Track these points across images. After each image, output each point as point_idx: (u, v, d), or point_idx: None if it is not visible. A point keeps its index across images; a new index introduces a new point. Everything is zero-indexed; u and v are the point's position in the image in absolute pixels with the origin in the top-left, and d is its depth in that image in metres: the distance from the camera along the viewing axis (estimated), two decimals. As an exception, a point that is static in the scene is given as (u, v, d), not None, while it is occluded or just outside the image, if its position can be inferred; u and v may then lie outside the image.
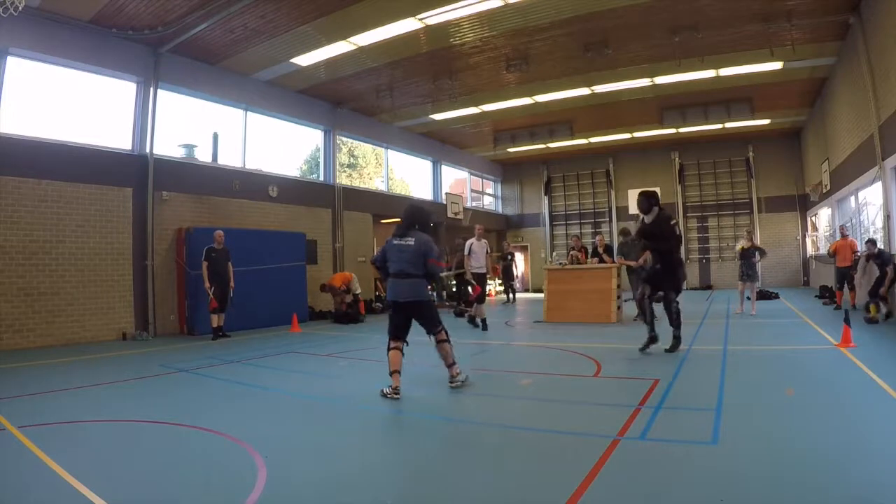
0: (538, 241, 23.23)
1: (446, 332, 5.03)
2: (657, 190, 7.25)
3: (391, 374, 4.80)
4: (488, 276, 10.39)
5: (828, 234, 15.57)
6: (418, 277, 4.89)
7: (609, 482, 2.71)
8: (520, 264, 22.75)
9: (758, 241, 18.74)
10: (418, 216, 5.07)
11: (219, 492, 2.75)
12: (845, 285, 10.26)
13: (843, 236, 10.34)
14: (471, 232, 10.65)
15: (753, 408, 4.01)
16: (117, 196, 9.77)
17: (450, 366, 5.01)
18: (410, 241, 4.91)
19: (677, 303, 6.42)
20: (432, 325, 4.97)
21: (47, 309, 8.72)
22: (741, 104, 15.45)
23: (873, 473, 2.68)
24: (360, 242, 15.46)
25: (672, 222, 6.48)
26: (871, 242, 9.20)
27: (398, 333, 4.96)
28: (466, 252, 9.95)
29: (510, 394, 5.00)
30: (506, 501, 2.59)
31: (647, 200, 6.53)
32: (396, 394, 4.69)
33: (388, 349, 4.93)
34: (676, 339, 6.40)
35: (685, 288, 7.00)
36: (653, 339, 6.42)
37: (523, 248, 23.47)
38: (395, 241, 4.97)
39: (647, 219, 6.54)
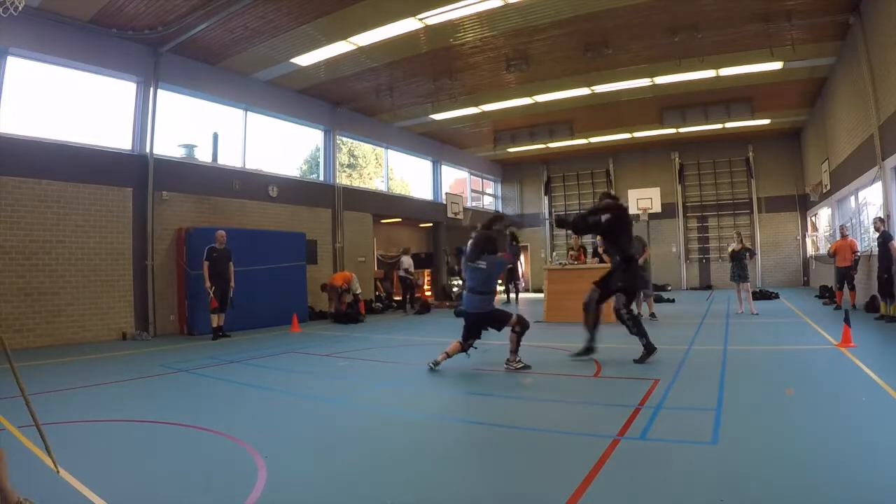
0: (538, 241, 23.23)
1: (521, 326, 5.75)
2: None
3: (442, 353, 5.93)
4: None
5: (828, 234, 15.57)
6: (485, 294, 5.84)
7: (609, 482, 2.71)
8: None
9: (757, 242, 18.87)
10: (487, 244, 5.94)
11: (219, 492, 2.75)
12: (845, 285, 10.26)
13: (843, 236, 10.34)
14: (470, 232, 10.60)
15: (753, 408, 4.01)
16: (117, 196, 9.77)
17: (511, 352, 5.81)
18: (482, 265, 5.81)
19: (628, 310, 6.02)
20: (502, 326, 5.84)
21: (47, 309, 8.72)
22: (741, 104, 15.45)
23: (873, 473, 2.68)
24: (360, 242, 15.46)
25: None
26: (880, 220, 8.94)
27: (467, 336, 5.94)
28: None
29: (510, 394, 4.99)
30: (506, 501, 2.59)
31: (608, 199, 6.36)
32: (433, 365, 5.84)
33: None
34: (644, 348, 5.87)
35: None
36: (590, 348, 6.11)
37: (523, 248, 23.47)
38: (471, 264, 5.92)
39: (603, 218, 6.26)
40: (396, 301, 15.75)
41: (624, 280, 5.96)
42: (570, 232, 21.15)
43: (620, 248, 6.03)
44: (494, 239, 6.04)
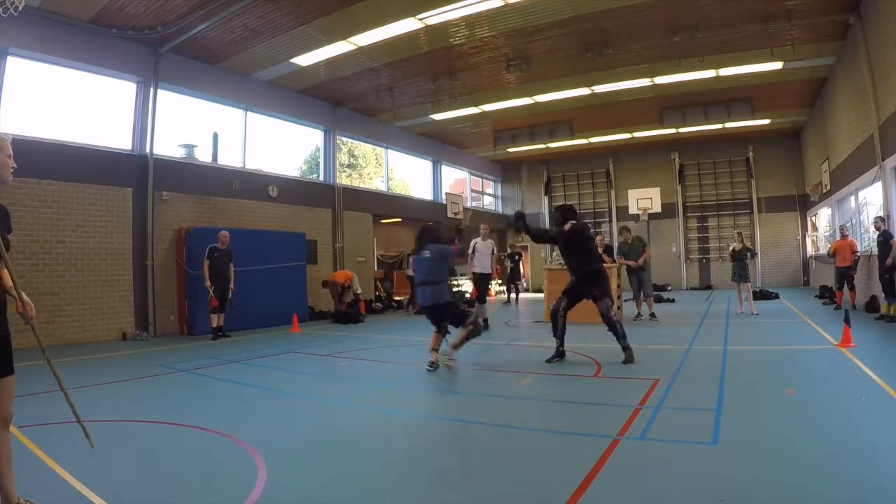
0: (538, 241, 23.18)
1: (475, 327, 5.82)
2: (573, 205, 6.94)
3: (430, 350, 5.91)
4: (492, 276, 10.24)
5: (828, 234, 15.58)
6: (437, 284, 5.79)
7: (609, 482, 2.71)
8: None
9: (757, 242, 18.87)
10: (428, 235, 6.03)
11: (219, 492, 2.75)
12: (845, 285, 10.27)
13: (843, 236, 10.34)
14: (469, 233, 10.61)
15: (753, 408, 4.01)
16: (117, 196, 9.77)
17: (453, 346, 5.78)
18: (426, 254, 5.85)
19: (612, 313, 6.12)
20: (458, 322, 5.82)
21: (47, 309, 8.71)
22: (741, 104, 15.45)
23: (873, 473, 2.68)
24: (360, 242, 15.46)
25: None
26: (881, 220, 8.95)
27: (435, 324, 5.97)
28: (470, 251, 9.79)
29: (510, 394, 5.00)
30: (506, 501, 2.59)
31: (562, 215, 6.34)
32: (430, 367, 5.75)
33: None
34: (627, 350, 5.95)
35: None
36: (561, 353, 6.14)
37: (523, 248, 23.48)
38: (415, 257, 6.05)
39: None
40: (397, 301, 15.76)
41: (599, 287, 6.07)
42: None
43: (578, 263, 6.17)
44: (434, 230, 6.20)
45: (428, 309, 5.97)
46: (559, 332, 6.17)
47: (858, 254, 10.33)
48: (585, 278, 6.12)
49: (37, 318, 8.22)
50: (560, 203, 6.95)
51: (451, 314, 5.87)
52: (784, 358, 6.11)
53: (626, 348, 5.94)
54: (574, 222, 6.22)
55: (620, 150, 20.86)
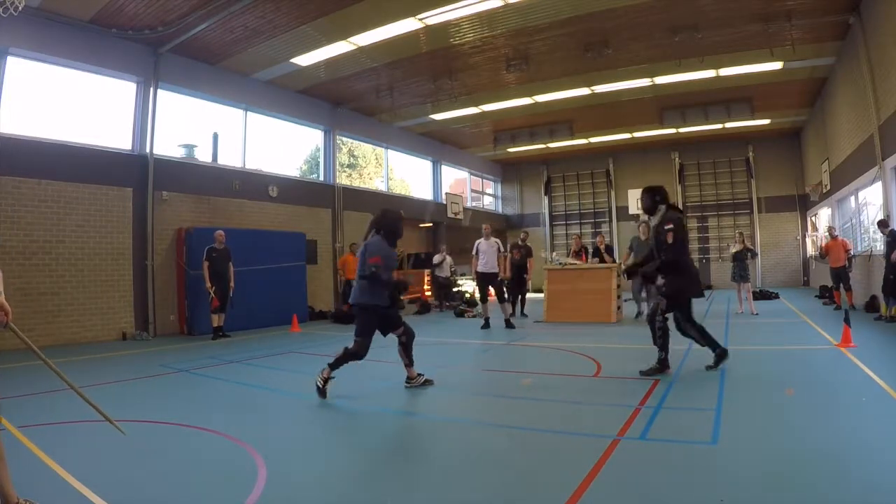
0: (538, 241, 23.18)
1: (406, 335, 5.02)
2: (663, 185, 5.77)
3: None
4: (498, 275, 10.22)
5: (827, 233, 15.58)
6: (362, 279, 4.83)
7: (609, 482, 2.71)
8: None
9: (757, 242, 18.88)
10: (379, 221, 5.01)
11: (219, 492, 2.75)
12: (841, 285, 10.26)
13: (833, 238, 10.35)
14: (468, 233, 10.62)
15: (753, 408, 4.01)
16: (117, 196, 9.77)
17: (406, 366, 5.12)
18: (362, 247, 4.94)
19: (665, 319, 5.37)
20: (387, 330, 5.00)
21: (47, 309, 8.72)
22: (741, 104, 15.45)
23: (873, 473, 2.68)
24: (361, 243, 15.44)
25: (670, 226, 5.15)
26: (883, 223, 8.89)
27: (359, 333, 4.87)
28: (474, 252, 9.92)
29: (511, 394, 4.99)
30: (506, 501, 2.59)
31: (650, 197, 5.32)
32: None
33: None
34: (661, 363, 5.29)
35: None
36: (664, 364, 5.27)
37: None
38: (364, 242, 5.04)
39: (654, 220, 5.38)
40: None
41: (668, 286, 5.36)
42: (570, 232, 21.05)
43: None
44: (384, 219, 4.99)
45: (353, 307, 5.01)
46: (660, 338, 5.25)
47: (852, 253, 10.32)
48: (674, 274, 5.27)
49: (36, 317, 8.17)
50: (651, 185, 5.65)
51: (357, 322, 4.87)
52: (784, 358, 6.11)
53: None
54: (667, 207, 5.29)
55: (620, 150, 20.86)
